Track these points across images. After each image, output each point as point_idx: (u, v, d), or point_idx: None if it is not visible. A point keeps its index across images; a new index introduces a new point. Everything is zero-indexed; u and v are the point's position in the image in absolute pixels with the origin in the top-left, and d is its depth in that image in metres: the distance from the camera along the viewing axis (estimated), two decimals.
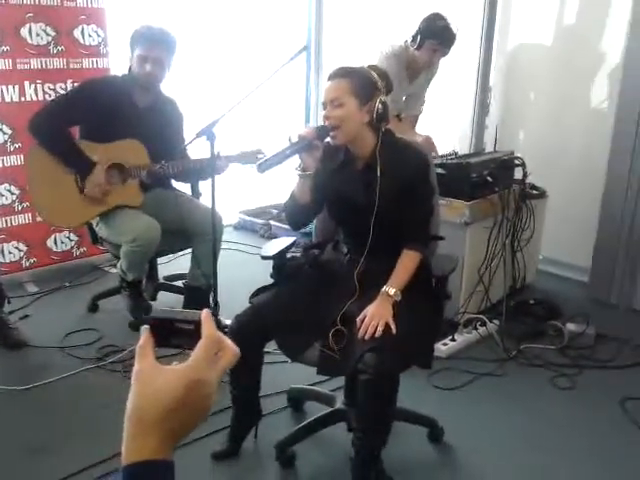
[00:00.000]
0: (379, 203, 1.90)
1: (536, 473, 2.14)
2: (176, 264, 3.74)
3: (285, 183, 4.42)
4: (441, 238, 2.16)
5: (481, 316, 3.04)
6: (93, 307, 3.30)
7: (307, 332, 1.95)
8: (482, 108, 4.03)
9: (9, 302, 2.97)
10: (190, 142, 2.65)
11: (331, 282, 2.05)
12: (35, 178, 2.90)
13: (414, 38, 3.13)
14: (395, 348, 1.78)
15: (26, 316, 3.19)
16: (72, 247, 3.82)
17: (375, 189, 1.90)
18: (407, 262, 1.95)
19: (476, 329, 3.00)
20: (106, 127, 2.82)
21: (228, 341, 0.71)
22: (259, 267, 3.56)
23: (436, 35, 3.09)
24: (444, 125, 4.06)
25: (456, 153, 3.21)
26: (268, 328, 1.96)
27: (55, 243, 3.75)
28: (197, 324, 0.72)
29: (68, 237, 3.79)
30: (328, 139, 1.94)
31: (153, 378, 0.67)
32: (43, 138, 2.82)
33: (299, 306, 1.99)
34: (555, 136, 3.79)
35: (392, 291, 1.89)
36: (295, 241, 2.28)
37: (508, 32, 3.98)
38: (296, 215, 2.11)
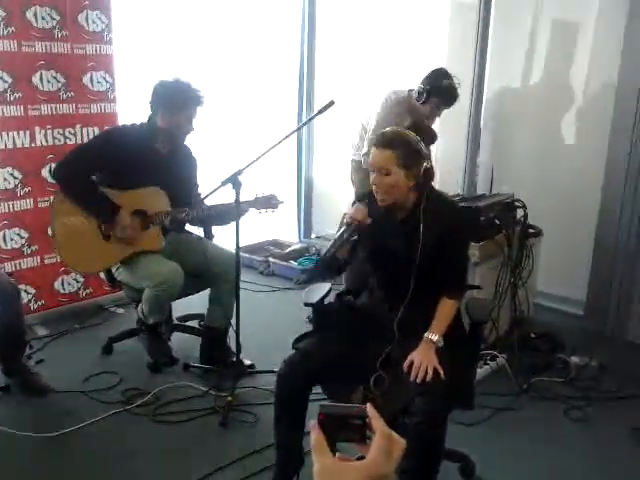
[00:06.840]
0: (421, 258, 2.02)
1: None
2: (183, 304, 3.78)
3: (279, 219, 4.52)
4: (478, 287, 2.29)
5: (492, 351, 3.18)
6: (108, 349, 3.32)
7: (351, 377, 2.03)
8: (474, 148, 4.22)
9: (31, 347, 2.98)
10: (215, 190, 2.73)
11: (370, 328, 2.13)
12: (59, 225, 2.93)
13: (419, 94, 3.32)
14: (443, 392, 1.89)
15: (41, 360, 3.18)
16: (78, 289, 3.84)
17: (417, 243, 2.01)
18: (447, 309, 2.07)
19: (487, 364, 3.14)
20: (128, 175, 2.89)
21: (395, 434, 0.77)
22: (262, 303, 3.72)
23: (441, 93, 3.31)
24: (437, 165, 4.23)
25: (461, 196, 3.38)
26: (315, 373, 2.03)
27: (62, 285, 3.76)
28: (365, 419, 0.77)
29: (75, 279, 3.80)
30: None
31: (337, 475, 0.73)
32: (67, 185, 2.88)
33: (343, 352, 2.06)
34: (545, 174, 3.98)
35: (435, 337, 2.00)
36: (331, 288, 2.37)
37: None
38: (332, 266, 2.21)
